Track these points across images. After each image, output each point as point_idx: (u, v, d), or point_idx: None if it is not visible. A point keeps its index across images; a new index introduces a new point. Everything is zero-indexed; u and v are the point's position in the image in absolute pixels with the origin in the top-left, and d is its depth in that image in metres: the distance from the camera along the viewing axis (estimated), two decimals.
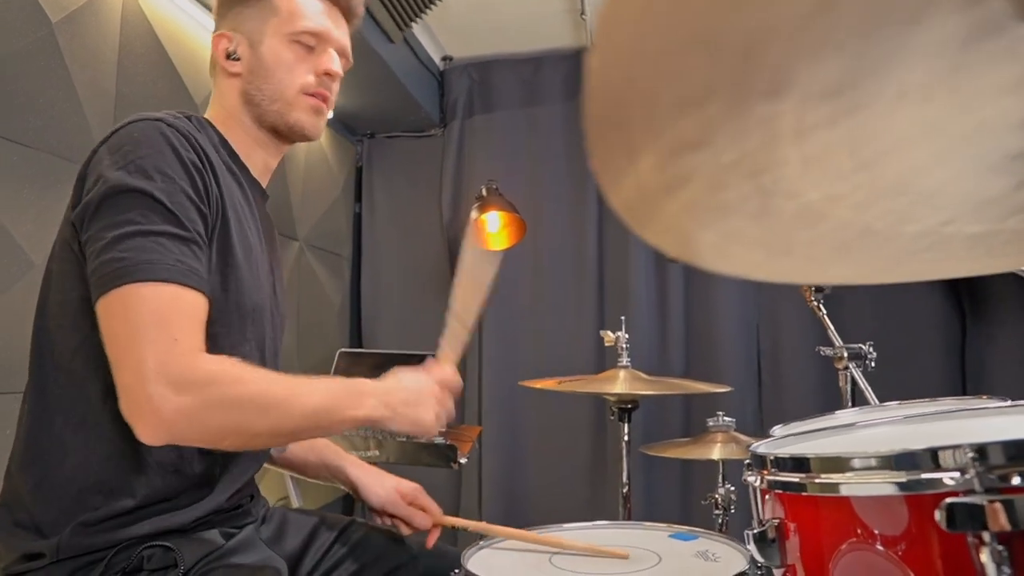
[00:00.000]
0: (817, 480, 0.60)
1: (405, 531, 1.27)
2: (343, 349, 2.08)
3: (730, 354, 2.93)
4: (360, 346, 3.28)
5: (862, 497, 0.58)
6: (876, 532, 0.58)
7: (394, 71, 2.84)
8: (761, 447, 0.73)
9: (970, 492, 0.50)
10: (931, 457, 0.54)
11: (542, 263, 3.16)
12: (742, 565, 1.00)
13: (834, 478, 0.59)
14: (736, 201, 0.35)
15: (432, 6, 2.72)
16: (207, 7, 2.15)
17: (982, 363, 2.77)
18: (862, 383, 1.34)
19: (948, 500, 0.50)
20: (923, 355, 2.76)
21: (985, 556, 0.48)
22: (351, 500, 3.17)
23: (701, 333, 3.00)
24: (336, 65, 1.15)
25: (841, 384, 1.40)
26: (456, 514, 3.11)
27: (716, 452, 1.61)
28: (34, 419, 0.98)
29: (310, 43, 1.13)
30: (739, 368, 2.92)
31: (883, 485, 0.56)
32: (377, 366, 1.51)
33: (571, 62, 3.27)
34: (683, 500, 2.92)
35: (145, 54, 1.99)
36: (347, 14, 1.19)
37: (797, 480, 0.61)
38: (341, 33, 1.17)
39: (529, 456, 3.10)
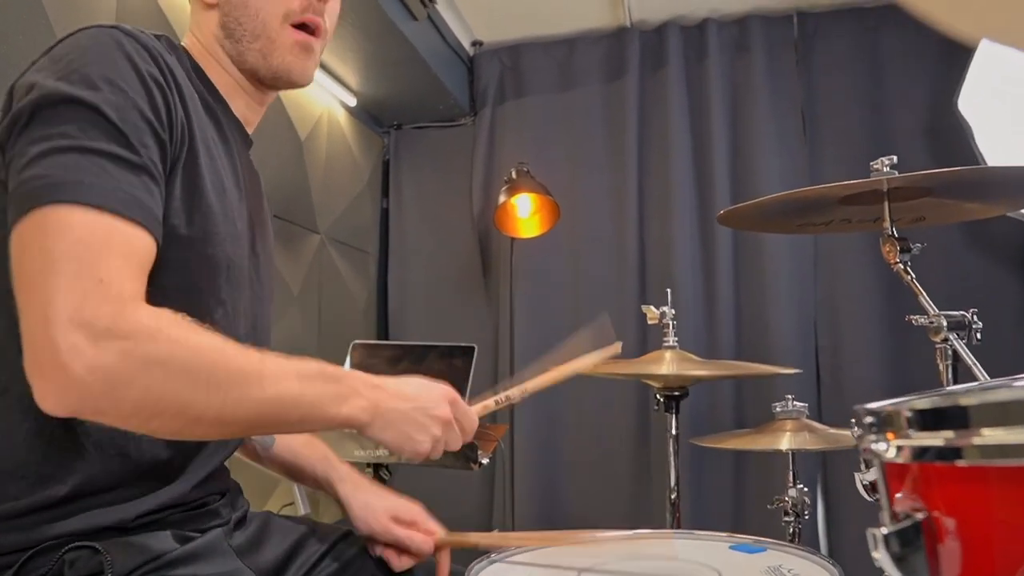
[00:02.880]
0: (984, 441, 0.38)
1: (397, 565, 1.02)
2: (357, 341, 1.91)
3: (785, 336, 2.67)
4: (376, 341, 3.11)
5: None
6: None
7: (421, 54, 2.68)
8: (888, 403, 0.50)
9: None
10: None
11: (579, 249, 2.95)
12: None
13: (1012, 436, 0.36)
14: None
15: None
16: None
17: None
18: (968, 358, 1.10)
19: None
20: (989, 336, 2.49)
21: None
22: None
23: (751, 314, 2.75)
24: None
25: (938, 362, 1.15)
26: (489, 521, 2.94)
27: (785, 442, 1.34)
28: None
29: None
30: (795, 351, 2.65)
31: None
32: (395, 359, 1.29)
33: (608, 42, 3.08)
34: (742, 503, 2.65)
35: (145, 23, 1.84)
36: None
37: (947, 444, 0.39)
38: None
39: (565, 453, 2.87)
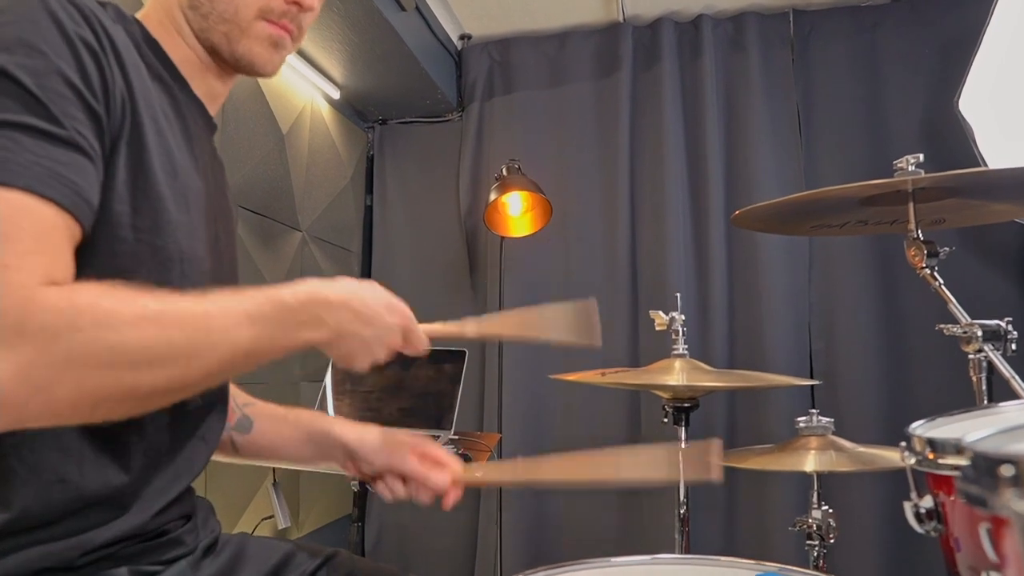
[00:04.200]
0: None
1: (423, 498, 0.97)
2: None
3: (779, 339, 2.62)
4: None
5: None
6: None
7: (408, 46, 2.58)
8: (986, 439, 0.42)
9: None
10: None
11: (570, 250, 2.88)
12: None
13: None
14: None
15: None
16: None
17: None
18: (1007, 370, 1.03)
19: None
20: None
21: None
22: (358, 522, 2.89)
23: (745, 315, 2.69)
24: None
25: (972, 373, 1.08)
26: (474, 540, 2.85)
27: (811, 463, 1.26)
28: None
29: None
30: (789, 354, 2.60)
31: None
32: (382, 364, 1.21)
33: (600, 37, 3.00)
34: (752, 530, 2.58)
35: None
36: None
37: None
38: None
39: None
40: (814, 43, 2.83)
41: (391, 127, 3.22)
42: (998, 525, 0.37)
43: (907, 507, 0.72)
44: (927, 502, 0.71)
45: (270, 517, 1.80)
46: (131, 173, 0.72)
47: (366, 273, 3.13)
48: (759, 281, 2.67)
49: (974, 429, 0.69)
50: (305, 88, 2.66)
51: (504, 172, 2.57)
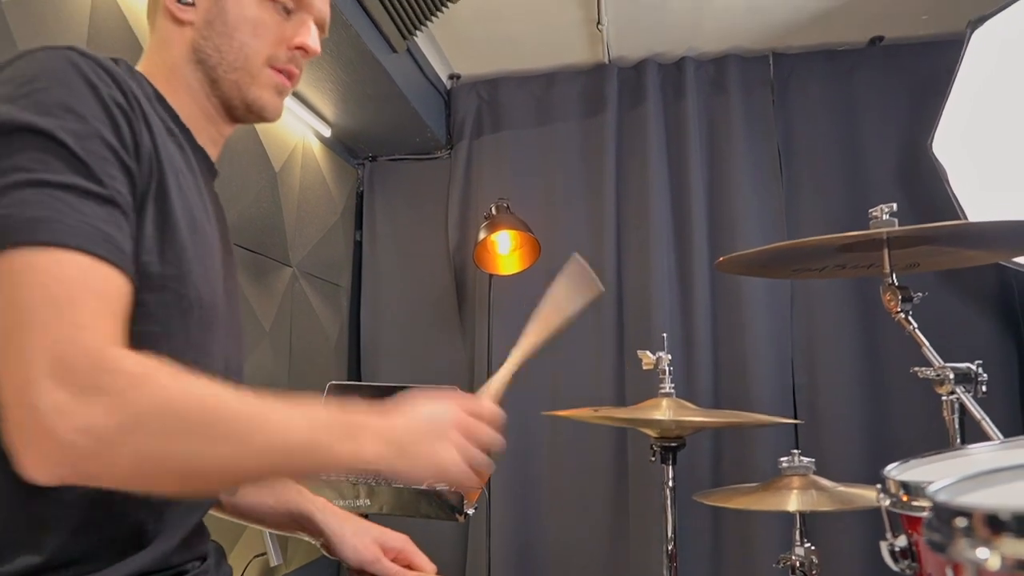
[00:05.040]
0: None
1: None
2: (333, 382, 1.84)
3: (762, 375, 2.66)
4: (352, 381, 3.02)
5: None
6: None
7: (399, 86, 2.64)
8: (957, 496, 0.47)
9: None
10: None
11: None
12: None
13: None
14: None
15: (440, 12, 2.52)
16: None
17: None
18: (977, 412, 1.07)
19: None
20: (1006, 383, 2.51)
21: None
22: None
23: (731, 360, 2.73)
24: (315, 41, 0.93)
25: (946, 414, 1.12)
26: (463, 567, 2.85)
27: (793, 503, 1.29)
28: None
29: (288, 5, 0.91)
30: (773, 390, 2.64)
31: None
32: (371, 399, 1.24)
33: (586, 78, 3.08)
34: (737, 559, 2.60)
35: (118, 47, 1.78)
36: None
37: None
38: (324, 1, 0.95)
39: (546, 505, 2.80)
40: (793, 85, 2.92)
41: (381, 164, 3.27)
42: (957, 570, 0.41)
43: (883, 546, 0.75)
44: (901, 541, 0.75)
45: (262, 555, 1.81)
46: (158, 227, 0.76)
47: (355, 308, 3.16)
48: (743, 320, 2.72)
49: (944, 472, 0.73)
50: (298, 127, 2.71)
51: (493, 211, 2.62)
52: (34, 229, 0.63)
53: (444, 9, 2.52)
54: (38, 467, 0.60)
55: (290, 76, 0.93)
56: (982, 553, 0.39)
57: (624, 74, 3.05)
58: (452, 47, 3.01)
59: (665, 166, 2.92)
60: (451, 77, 3.22)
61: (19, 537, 0.69)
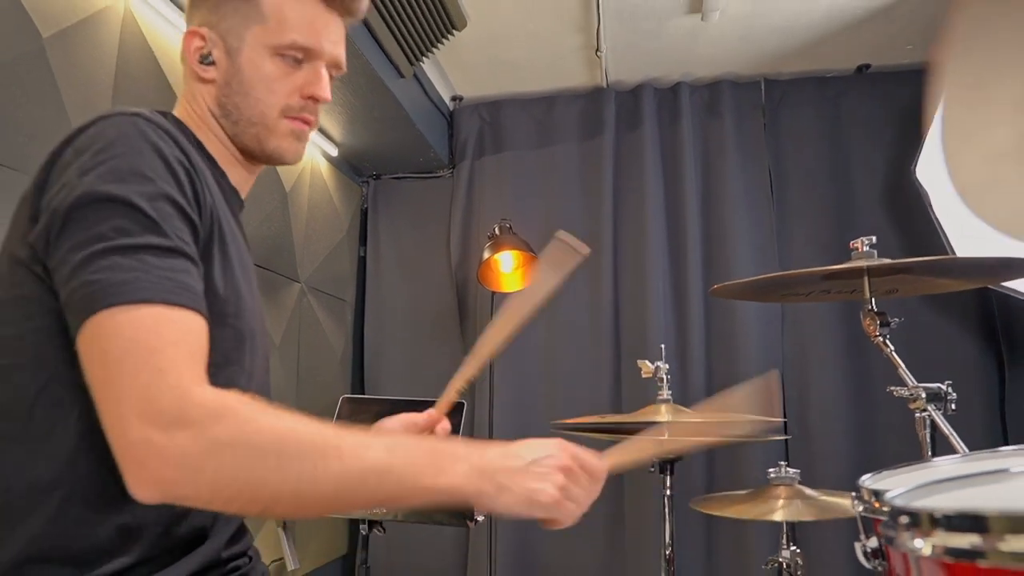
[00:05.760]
0: (1004, 547, 0.44)
1: None
2: (346, 395, 1.92)
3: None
4: (363, 395, 3.11)
5: None
6: None
7: (404, 108, 2.74)
8: (912, 500, 0.57)
9: None
10: None
11: (557, 306, 3.01)
12: None
13: None
14: None
15: (445, 40, 2.63)
16: None
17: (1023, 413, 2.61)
18: (946, 428, 1.17)
19: None
20: (961, 406, 2.60)
21: None
22: (351, 561, 2.96)
23: (722, 376, 2.83)
24: (325, 90, 0.98)
25: (919, 430, 1.23)
26: (464, 572, 2.93)
27: (779, 512, 1.40)
28: None
29: (297, 56, 0.96)
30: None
31: None
32: (382, 413, 1.35)
33: (585, 101, 3.19)
34: (727, 563, 2.70)
35: (143, 78, 1.87)
36: (344, 12, 1.00)
37: (974, 546, 0.45)
38: (334, 42, 0.99)
39: None
40: (784, 110, 3.04)
41: (384, 182, 3.37)
42: (907, 564, 0.51)
43: (857, 547, 0.85)
44: (873, 543, 0.84)
45: (279, 560, 1.89)
46: (222, 269, 0.85)
47: (359, 322, 3.25)
48: (735, 335, 2.83)
49: (910, 482, 0.84)
50: (308, 148, 2.80)
51: (497, 231, 2.72)
52: (116, 292, 0.71)
53: (450, 37, 2.63)
54: (139, 490, 0.69)
55: (306, 122, 0.99)
56: (918, 543, 0.49)
57: (621, 98, 3.16)
58: (455, 70, 3.12)
59: (661, 187, 3.03)
60: (454, 99, 3.32)
61: (113, 544, 0.79)
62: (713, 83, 3.09)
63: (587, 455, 0.84)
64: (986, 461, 0.89)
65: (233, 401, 0.72)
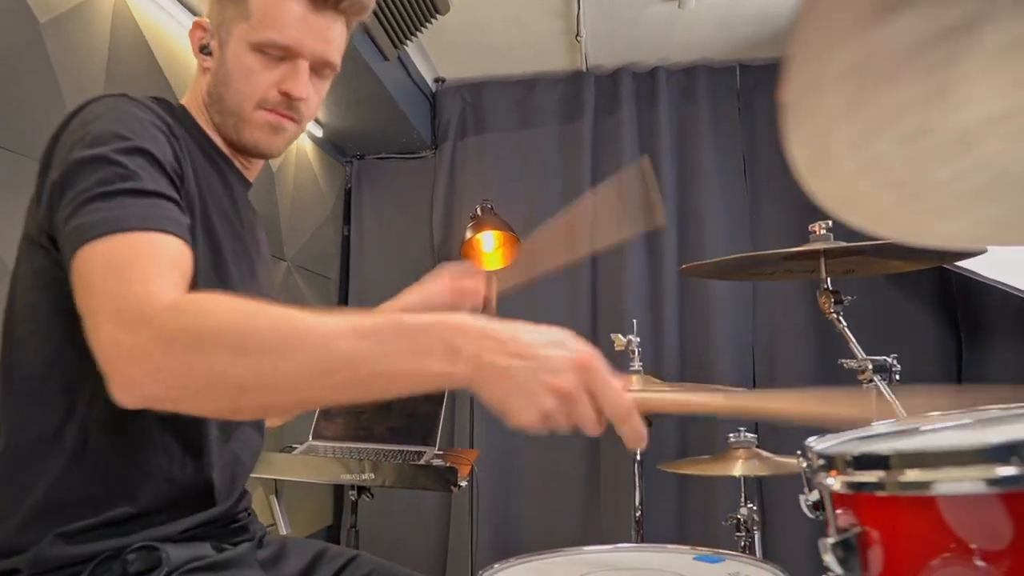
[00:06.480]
0: (900, 479, 0.54)
1: None
2: None
3: (725, 372, 2.88)
4: None
5: (954, 497, 0.52)
6: (969, 538, 0.52)
7: (388, 90, 2.80)
8: (830, 446, 0.67)
9: None
10: None
11: (535, 284, 3.10)
12: None
13: (920, 476, 0.53)
14: (899, 106, 0.30)
15: (429, 24, 2.69)
16: (198, 15, 2.10)
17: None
18: (889, 396, 1.29)
19: None
20: (921, 381, 2.73)
21: None
22: (336, 531, 3.06)
23: (695, 350, 2.95)
24: (299, 88, 0.99)
25: None
26: (445, 544, 3.05)
27: (738, 468, 1.53)
28: (3, 439, 0.89)
29: (277, 54, 0.98)
30: (735, 381, 2.87)
31: (978, 483, 0.50)
32: None
33: (565, 84, 3.26)
34: (694, 521, 2.84)
35: (134, 62, 1.93)
36: (343, 11, 1.01)
37: (876, 480, 0.55)
38: (322, 41, 1.00)
39: (524, 479, 3.02)
40: (758, 95, 3.14)
41: (368, 162, 3.43)
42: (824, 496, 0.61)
43: (802, 499, 0.95)
44: (815, 495, 0.95)
45: (271, 525, 1.98)
46: (209, 247, 0.93)
47: (343, 300, 3.32)
48: (708, 310, 2.94)
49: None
50: None
51: (479, 211, 2.80)
52: (96, 227, 0.77)
53: (434, 20, 2.69)
54: (117, 394, 0.72)
55: (283, 116, 1.01)
56: (830, 481, 0.59)
57: (600, 82, 3.24)
58: (438, 52, 3.17)
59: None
60: (436, 80, 3.38)
61: (106, 498, 0.87)
62: (689, 68, 3.17)
63: (606, 383, 0.70)
64: (907, 422, 1.00)
65: (197, 297, 0.73)
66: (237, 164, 1.08)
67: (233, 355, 0.68)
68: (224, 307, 0.71)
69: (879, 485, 0.56)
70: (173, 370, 0.68)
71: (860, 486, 0.58)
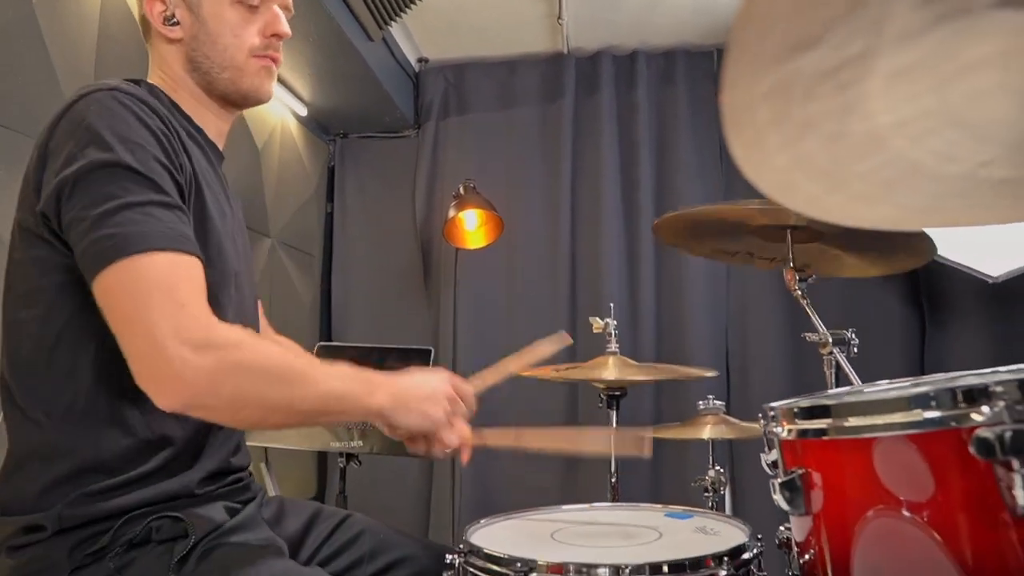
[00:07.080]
0: (839, 424, 0.62)
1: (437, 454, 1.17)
2: (321, 343, 2.08)
3: (700, 346, 2.99)
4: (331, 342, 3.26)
5: (884, 440, 0.60)
6: (897, 489, 0.60)
7: (372, 70, 2.84)
8: (783, 403, 0.75)
9: (999, 424, 0.52)
10: (956, 395, 0.56)
11: (516, 262, 3.19)
12: (742, 538, 1.02)
13: (856, 421, 0.61)
14: (818, 116, 0.37)
15: (413, 5, 2.73)
16: None
17: (941, 367, 2.87)
18: (846, 367, 1.38)
19: (980, 431, 0.52)
20: (883, 357, 2.86)
21: (1018, 486, 0.51)
22: (321, 500, 3.14)
23: (671, 327, 3.05)
24: (285, 26, 1.11)
25: (825, 369, 1.44)
26: (428, 507, 3.14)
27: (707, 432, 1.64)
28: (14, 419, 0.95)
29: (253, 3, 1.08)
30: (709, 358, 2.97)
31: (907, 426, 0.58)
32: (356, 359, 1.51)
33: (547, 66, 3.32)
34: (667, 484, 2.95)
35: (123, 40, 1.96)
36: None
37: (818, 427, 0.64)
38: None
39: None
40: None
41: (351, 141, 3.46)
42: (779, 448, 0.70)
43: (763, 458, 1.05)
44: (774, 455, 1.04)
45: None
46: (200, 222, 0.99)
47: (326, 276, 3.38)
48: (684, 292, 3.04)
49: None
50: (278, 108, 2.90)
51: (461, 191, 2.86)
52: (136, 241, 0.85)
53: (418, 1, 2.73)
54: (168, 399, 0.84)
55: (273, 59, 1.12)
56: (779, 430, 0.68)
57: (581, 64, 3.30)
58: (421, 32, 3.21)
59: (616, 151, 3.19)
60: (420, 60, 3.42)
61: (117, 464, 0.94)
62: (668, 52, 3.24)
63: (462, 383, 1.11)
64: (855, 387, 1.09)
65: (243, 333, 0.92)
66: (210, 135, 1.13)
67: (278, 386, 0.90)
68: (268, 346, 0.96)
69: (822, 431, 0.65)
70: (229, 390, 0.86)
71: (804, 432, 0.67)
